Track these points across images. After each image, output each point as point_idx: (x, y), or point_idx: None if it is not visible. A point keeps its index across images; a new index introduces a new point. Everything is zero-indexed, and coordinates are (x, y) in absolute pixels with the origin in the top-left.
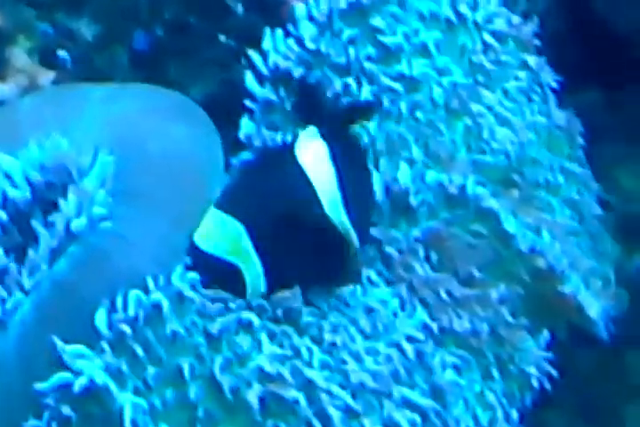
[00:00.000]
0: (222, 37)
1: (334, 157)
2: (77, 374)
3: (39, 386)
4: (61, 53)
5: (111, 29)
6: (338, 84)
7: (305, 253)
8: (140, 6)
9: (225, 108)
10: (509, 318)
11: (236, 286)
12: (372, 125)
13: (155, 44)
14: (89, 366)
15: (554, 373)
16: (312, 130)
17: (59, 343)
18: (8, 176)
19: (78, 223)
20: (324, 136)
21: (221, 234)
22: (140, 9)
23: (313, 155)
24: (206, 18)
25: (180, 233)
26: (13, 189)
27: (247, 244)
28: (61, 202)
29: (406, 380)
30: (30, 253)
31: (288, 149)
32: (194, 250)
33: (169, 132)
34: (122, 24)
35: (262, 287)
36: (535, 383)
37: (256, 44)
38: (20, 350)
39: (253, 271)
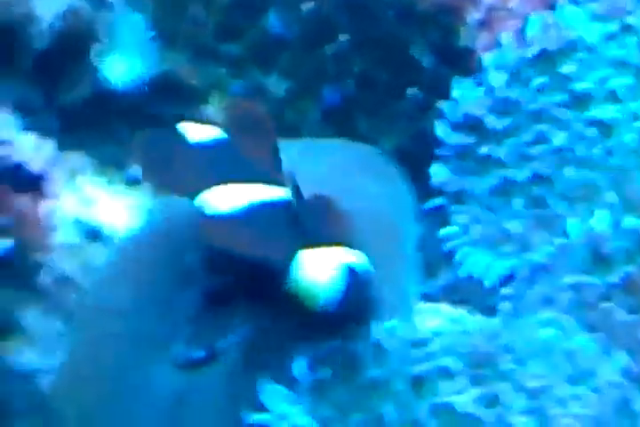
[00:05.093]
0: (411, 90)
1: None
2: (281, 417)
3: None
4: None
5: (301, 84)
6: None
7: None
8: (329, 61)
9: (416, 160)
10: None
11: None
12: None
13: (345, 98)
14: (293, 411)
15: None
16: None
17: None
18: None
19: None
20: None
21: None
22: (330, 64)
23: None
24: (394, 70)
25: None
26: None
27: None
28: None
29: None
30: None
31: None
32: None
33: (363, 190)
34: (312, 79)
35: None
36: None
37: (445, 94)
38: (227, 389)
39: None
